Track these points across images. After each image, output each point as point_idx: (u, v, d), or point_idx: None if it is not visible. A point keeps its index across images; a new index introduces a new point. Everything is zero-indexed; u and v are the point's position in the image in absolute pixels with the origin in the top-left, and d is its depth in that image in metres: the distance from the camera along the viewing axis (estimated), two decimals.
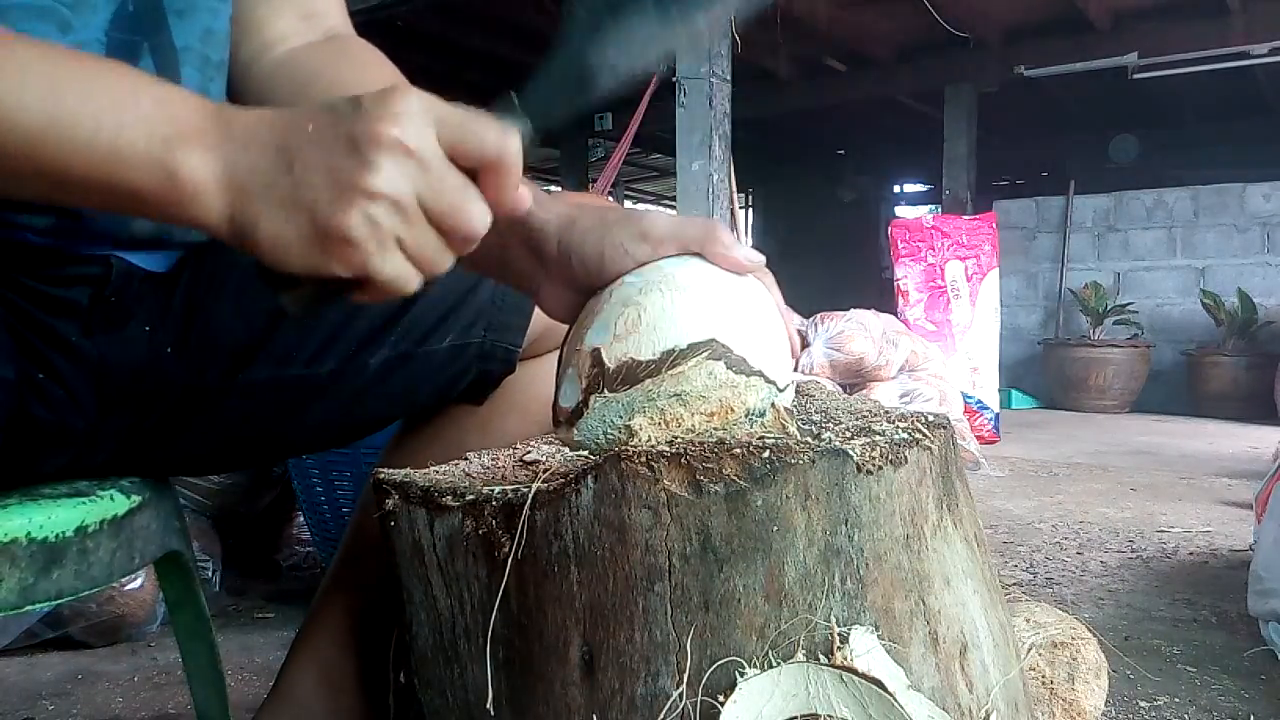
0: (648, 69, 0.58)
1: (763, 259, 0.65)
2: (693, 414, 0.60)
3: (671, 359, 0.59)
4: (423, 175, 0.52)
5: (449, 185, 0.53)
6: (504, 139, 0.54)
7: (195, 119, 0.52)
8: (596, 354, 0.61)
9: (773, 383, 0.62)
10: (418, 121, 0.52)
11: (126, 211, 0.54)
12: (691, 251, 0.64)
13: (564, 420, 0.63)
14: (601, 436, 0.62)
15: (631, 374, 0.60)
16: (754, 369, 0.61)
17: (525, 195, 0.57)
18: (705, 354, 0.60)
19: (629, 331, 0.60)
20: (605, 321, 0.61)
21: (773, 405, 0.63)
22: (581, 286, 0.65)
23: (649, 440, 0.60)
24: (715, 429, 0.61)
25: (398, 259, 0.53)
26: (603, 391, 0.61)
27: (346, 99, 0.53)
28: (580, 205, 0.67)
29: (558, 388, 0.64)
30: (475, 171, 0.54)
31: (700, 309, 0.61)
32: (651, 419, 0.60)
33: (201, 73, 0.76)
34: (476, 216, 0.54)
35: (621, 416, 0.61)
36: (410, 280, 0.54)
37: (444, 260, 0.55)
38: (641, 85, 4.83)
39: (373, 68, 0.80)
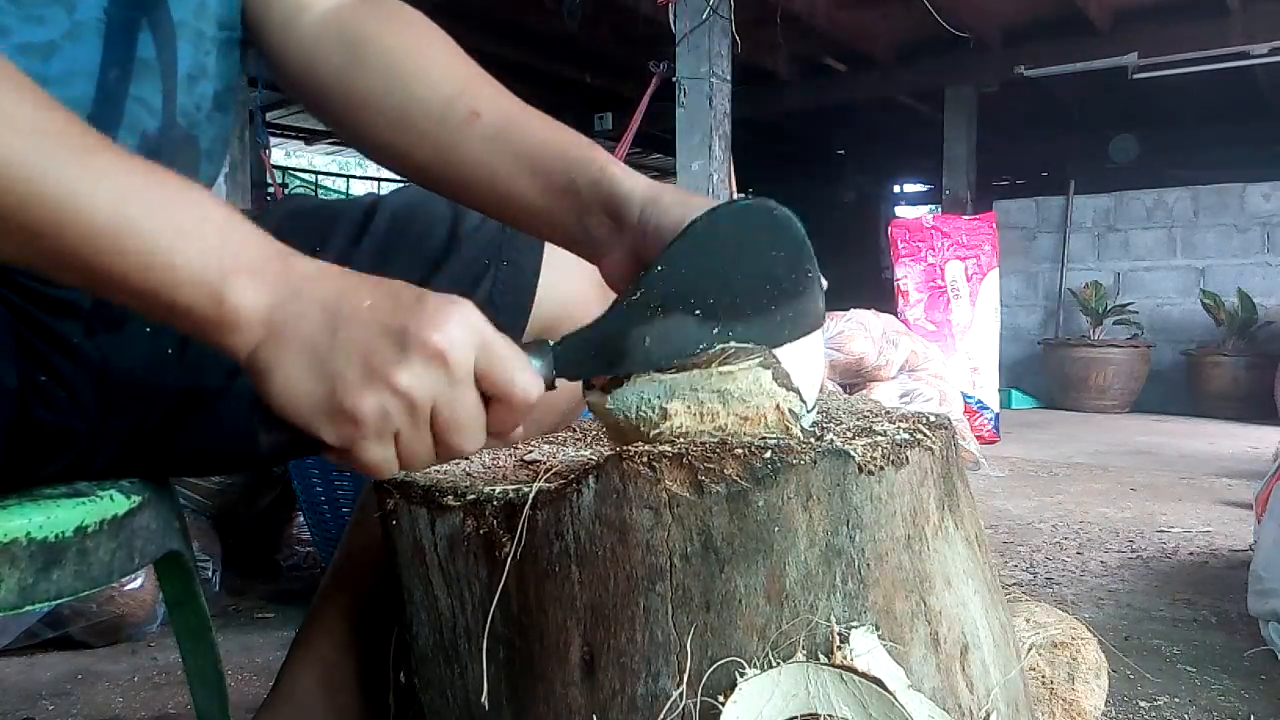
0: (682, 358, 0.61)
1: (824, 285, 0.67)
2: (729, 414, 0.61)
3: (724, 356, 0.61)
4: (447, 388, 0.54)
5: (465, 405, 0.55)
6: (528, 387, 0.56)
7: (255, 254, 0.54)
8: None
9: (804, 403, 0.63)
10: (466, 340, 0.54)
11: (164, 322, 0.55)
12: None
13: (599, 386, 0.63)
14: (634, 411, 0.62)
15: (679, 361, 0.61)
16: (794, 385, 0.62)
17: (520, 434, 0.59)
18: (757, 360, 0.61)
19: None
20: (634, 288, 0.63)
21: (775, 406, 0.63)
22: (645, 257, 0.67)
23: (681, 427, 0.61)
24: (745, 434, 0.61)
25: (387, 449, 0.55)
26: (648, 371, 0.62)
27: (412, 290, 0.55)
28: (663, 185, 0.69)
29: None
30: (491, 397, 0.56)
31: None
32: (689, 407, 0.61)
33: (196, 47, 0.75)
34: (473, 441, 0.56)
35: (660, 397, 0.61)
36: (386, 469, 0.56)
37: (425, 462, 0.57)
38: (641, 85, 4.84)
39: (420, 32, 0.80)
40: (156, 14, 0.71)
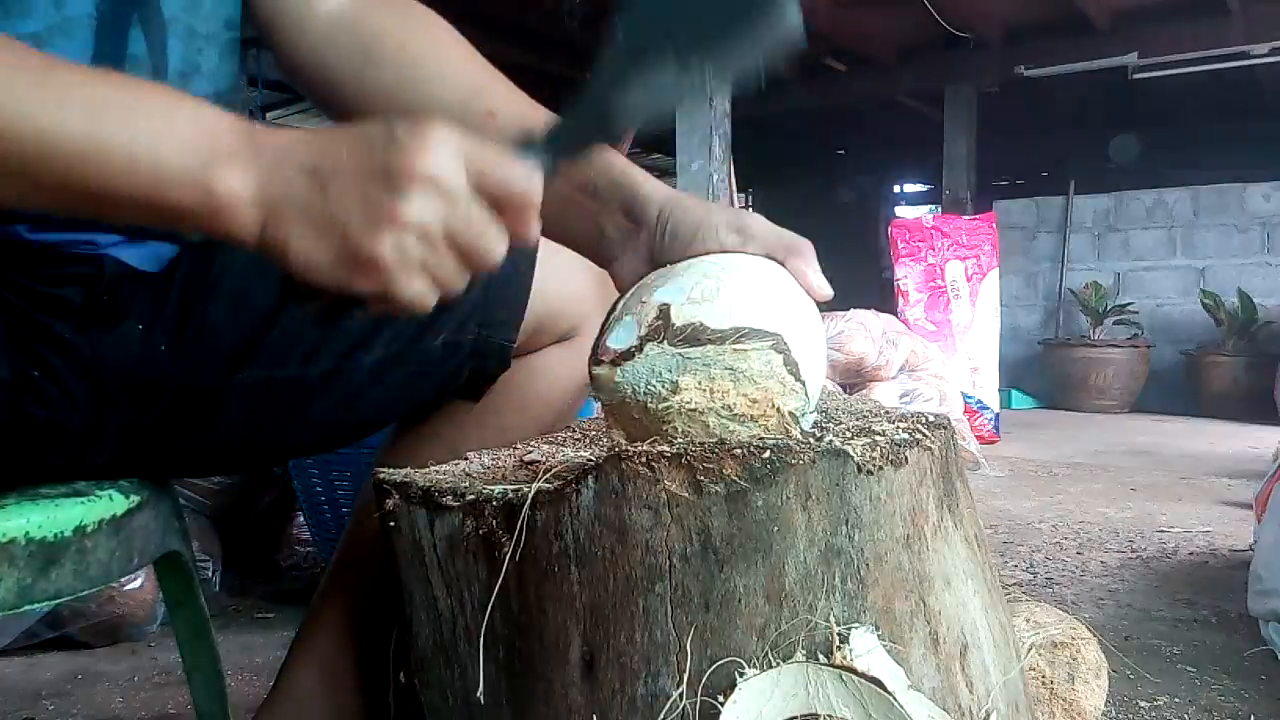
0: (667, 111, 0.61)
1: (830, 293, 0.68)
2: (739, 393, 0.62)
3: (739, 335, 0.61)
4: (450, 208, 0.55)
5: (473, 218, 0.56)
6: (526, 178, 0.57)
7: (229, 139, 0.54)
8: (665, 309, 0.63)
9: (808, 399, 0.64)
10: (448, 157, 0.55)
11: (166, 227, 0.55)
12: (776, 259, 0.67)
13: (608, 360, 0.64)
14: (644, 384, 0.62)
15: (695, 336, 0.61)
16: (803, 377, 0.63)
17: (537, 227, 0.60)
18: (770, 343, 0.62)
19: (705, 298, 0.63)
20: (681, 285, 0.64)
21: (774, 406, 0.63)
22: (660, 260, 0.68)
23: (690, 402, 0.61)
24: (750, 416, 0.62)
25: (420, 282, 0.56)
26: (662, 342, 0.62)
27: (381, 128, 0.55)
28: (678, 191, 0.71)
29: (606, 331, 0.65)
30: (496, 204, 0.57)
31: (775, 304, 0.64)
32: (699, 383, 0.61)
33: (186, 44, 0.75)
34: (496, 247, 0.57)
35: (672, 371, 0.62)
36: (428, 300, 0.57)
37: (461, 282, 0.57)
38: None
39: (434, 26, 0.80)
40: (147, 10, 0.72)
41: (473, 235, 0.56)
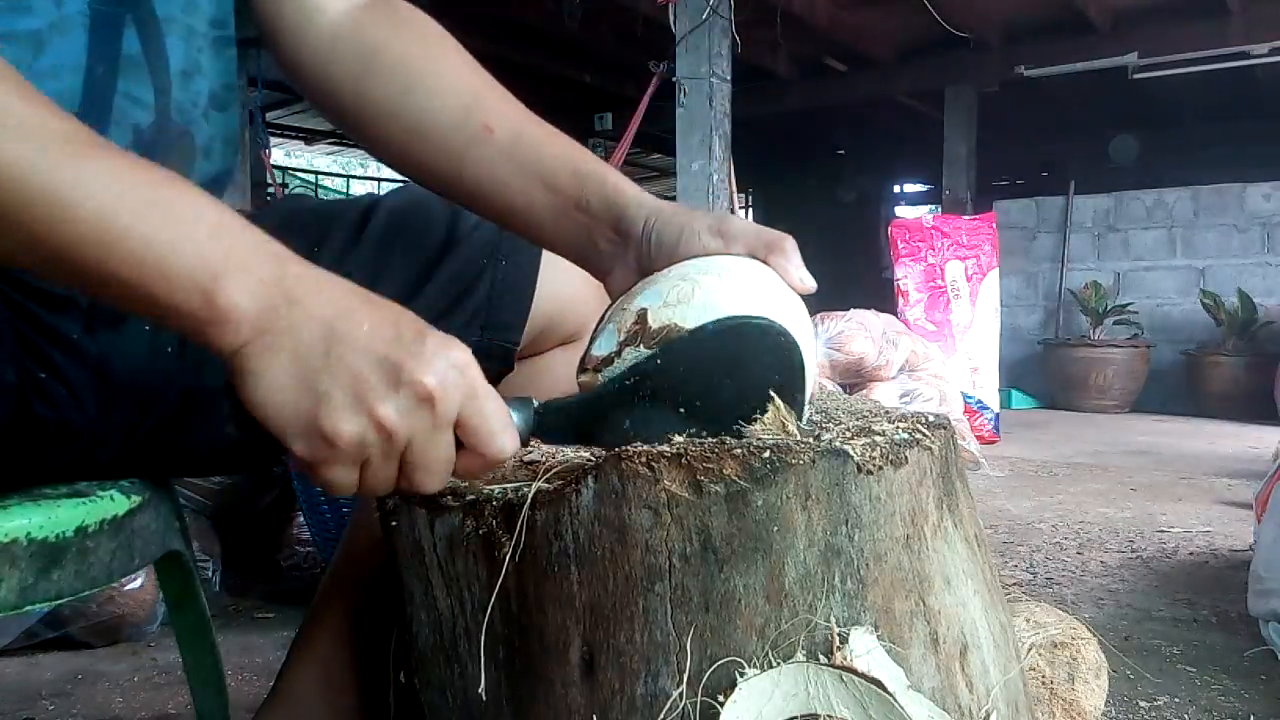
0: (656, 440, 0.62)
1: (814, 286, 0.67)
2: None
3: None
4: (426, 429, 0.54)
5: (439, 449, 0.56)
6: (504, 447, 0.57)
7: (249, 254, 0.53)
8: (642, 314, 0.63)
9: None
10: (457, 387, 0.55)
11: (152, 319, 0.54)
12: (758, 258, 0.67)
13: (591, 368, 0.64)
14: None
15: (669, 337, 0.62)
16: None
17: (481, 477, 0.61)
18: None
19: (679, 301, 0.63)
20: (659, 290, 0.64)
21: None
22: (648, 269, 0.68)
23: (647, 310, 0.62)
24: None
25: (352, 474, 0.55)
26: (638, 345, 0.62)
27: (412, 325, 0.55)
28: (662, 200, 0.71)
29: (593, 340, 0.66)
30: (464, 446, 0.57)
31: (750, 300, 0.63)
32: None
33: (187, 43, 0.75)
34: (437, 482, 0.57)
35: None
36: (345, 491, 0.56)
37: (383, 491, 0.57)
38: (641, 85, 4.84)
39: (435, 40, 0.80)
40: (140, 10, 0.72)
41: (427, 460, 0.55)
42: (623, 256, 0.70)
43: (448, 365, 0.54)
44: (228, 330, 0.52)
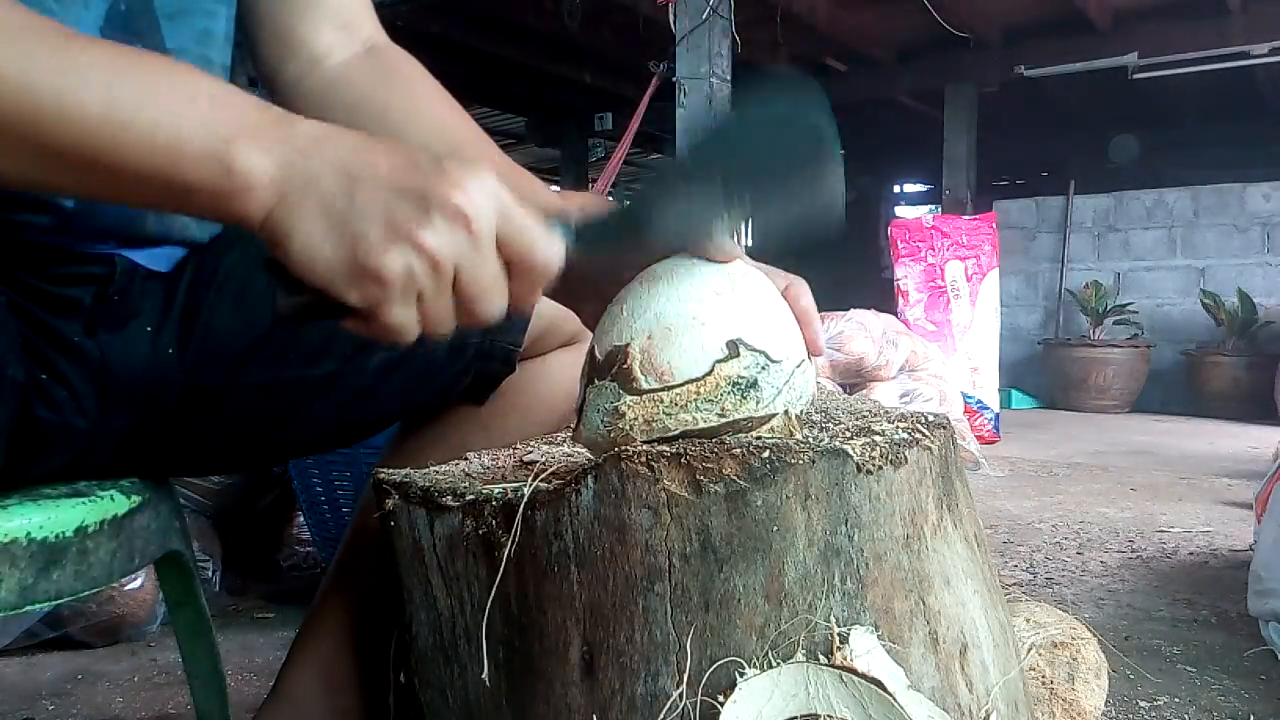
0: (699, 238, 0.62)
1: (738, 250, 0.66)
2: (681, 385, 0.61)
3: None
4: (469, 251, 0.54)
5: (487, 269, 0.55)
6: (549, 253, 0.57)
7: (254, 118, 0.53)
8: (590, 351, 0.64)
9: (761, 352, 0.62)
10: (486, 203, 0.54)
11: (178, 206, 0.54)
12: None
13: (576, 421, 0.65)
14: (599, 425, 0.63)
15: (611, 359, 0.62)
16: (734, 338, 0.62)
17: (536, 301, 0.60)
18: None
19: (613, 324, 0.63)
20: (601, 323, 0.65)
21: (785, 412, 0.63)
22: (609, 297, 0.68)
23: (636, 419, 0.61)
24: (702, 400, 0.61)
25: (411, 311, 0.55)
26: (594, 382, 0.63)
27: (428, 154, 0.55)
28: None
29: (576, 398, 0.67)
30: (511, 264, 0.56)
31: (675, 295, 0.62)
32: (633, 404, 0.61)
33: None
34: (495, 306, 0.56)
35: (611, 401, 0.62)
36: (410, 333, 0.56)
37: (448, 326, 0.56)
38: (641, 85, 4.84)
39: (418, 88, 0.83)
40: (150, 41, 0.72)
41: (480, 284, 0.55)
42: (581, 291, 0.70)
43: (472, 183, 0.54)
44: (251, 197, 0.52)
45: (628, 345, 0.62)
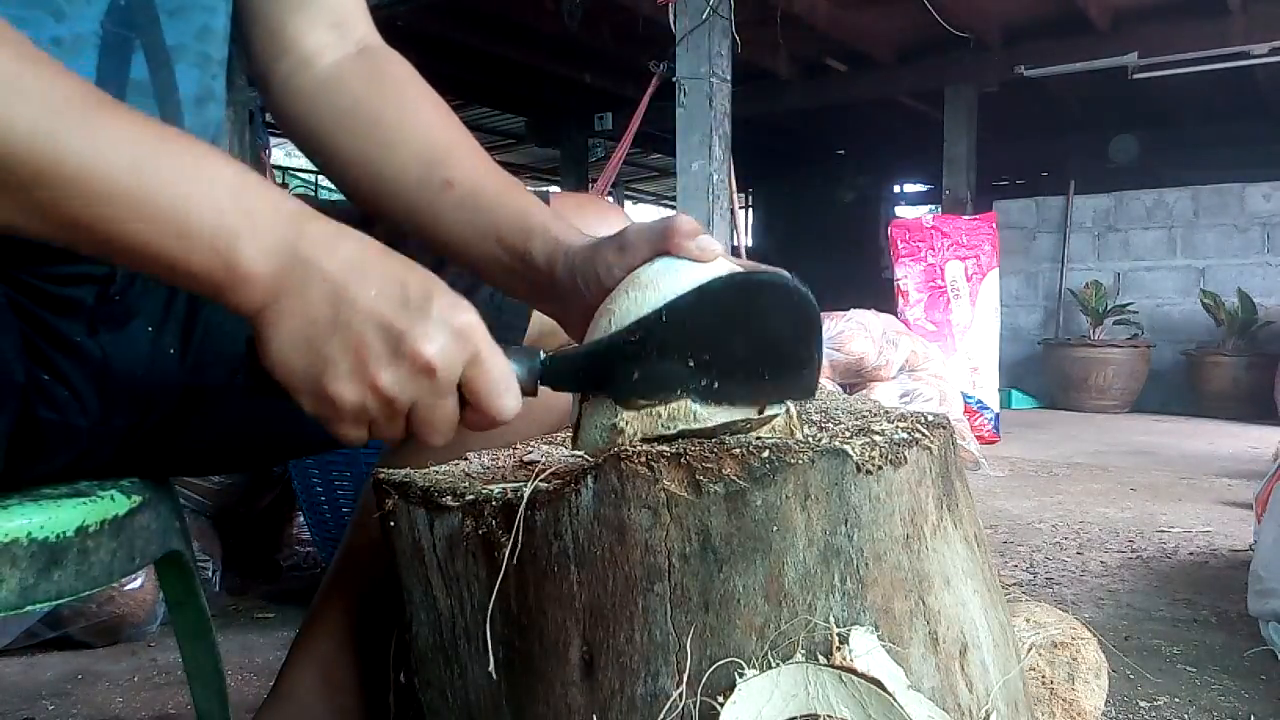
0: (660, 397, 0.62)
1: (718, 247, 0.67)
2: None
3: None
4: (429, 394, 0.56)
5: (442, 411, 0.57)
6: (506, 408, 0.58)
7: (267, 216, 0.54)
8: None
9: None
10: (458, 355, 0.56)
11: (171, 281, 0.55)
12: (663, 253, 0.66)
13: (573, 436, 0.65)
14: (597, 441, 0.63)
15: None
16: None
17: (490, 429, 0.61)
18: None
19: (598, 334, 0.64)
20: (589, 333, 0.65)
21: (786, 411, 0.63)
22: (591, 305, 0.69)
23: (635, 435, 0.61)
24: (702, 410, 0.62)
25: (361, 431, 0.57)
26: (588, 398, 0.63)
27: (420, 287, 0.56)
28: (572, 244, 0.71)
29: (571, 414, 0.67)
30: (468, 404, 0.58)
31: (662, 299, 0.62)
32: (630, 419, 0.62)
33: (202, 70, 0.76)
34: (443, 438, 0.58)
35: (608, 418, 0.62)
36: (359, 442, 0.58)
37: (395, 439, 0.58)
38: (641, 85, 4.84)
39: (409, 91, 0.83)
40: (150, 36, 0.72)
41: (431, 421, 0.57)
42: (565, 301, 0.71)
43: (449, 334, 0.55)
44: (245, 294, 0.54)
45: None
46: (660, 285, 0.63)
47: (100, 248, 0.53)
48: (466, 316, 0.57)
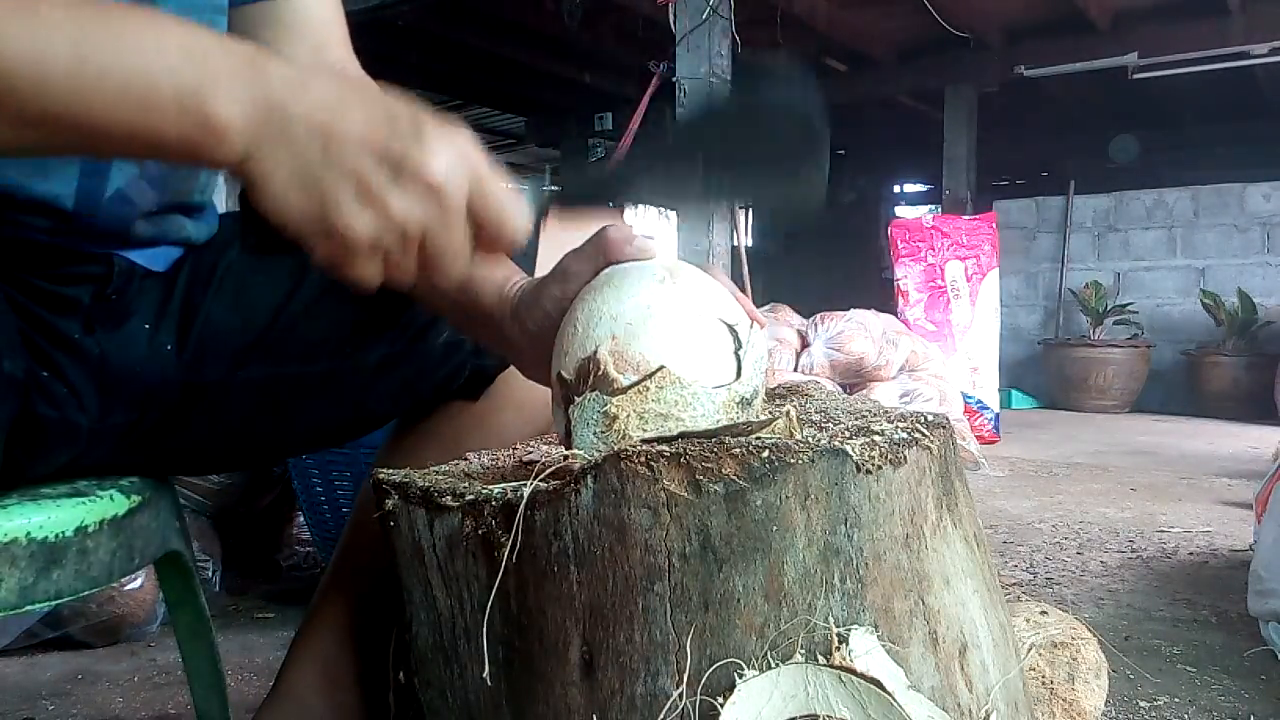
0: (667, 203, 0.63)
1: (654, 246, 0.67)
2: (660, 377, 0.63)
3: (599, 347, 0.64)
4: (438, 218, 0.54)
5: (453, 236, 0.55)
6: (516, 224, 0.57)
7: (224, 64, 0.52)
8: (559, 376, 0.66)
9: (720, 321, 0.65)
10: (460, 172, 0.54)
11: (152, 156, 0.54)
12: (610, 263, 0.68)
13: (567, 447, 0.66)
14: (592, 439, 0.64)
15: (584, 371, 0.64)
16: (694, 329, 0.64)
17: (505, 253, 0.61)
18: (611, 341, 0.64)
19: (570, 342, 0.65)
20: (557, 350, 0.67)
21: (786, 414, 0.64)
22: (543, 338, 0.70)
23: (629, 416, 0.62)
24: (667, 394, 0.63)
25: (375, 266, 0.55)
26: (574, 401, 0.64)
27: (407, 112, 0.54)
28: (517, 286, 0.71)
29: (557, 428, 0.68)
30: (479, 226, 0.57)
31: (622, 294, 0.64)
32: (620, 404, 0.63)
33: None
34: (459, 268, 0.57)
35: (598, 409, 0.63)
36: (373, 283, 0.56)
37: (409, 280, 0.57)
38: (641, 85, 4.84)
39: None
40: None
41: (445, 249, 0.55)
42: (515, 341, 0.72)
43: (449, 151, 0.54)
44: (224, 147, 0.52)
45: (595, 352, 0.63)
46: (613, 283, 0.65)
47: (75, 143, 0.52)
48: (461, 137, 0.55)
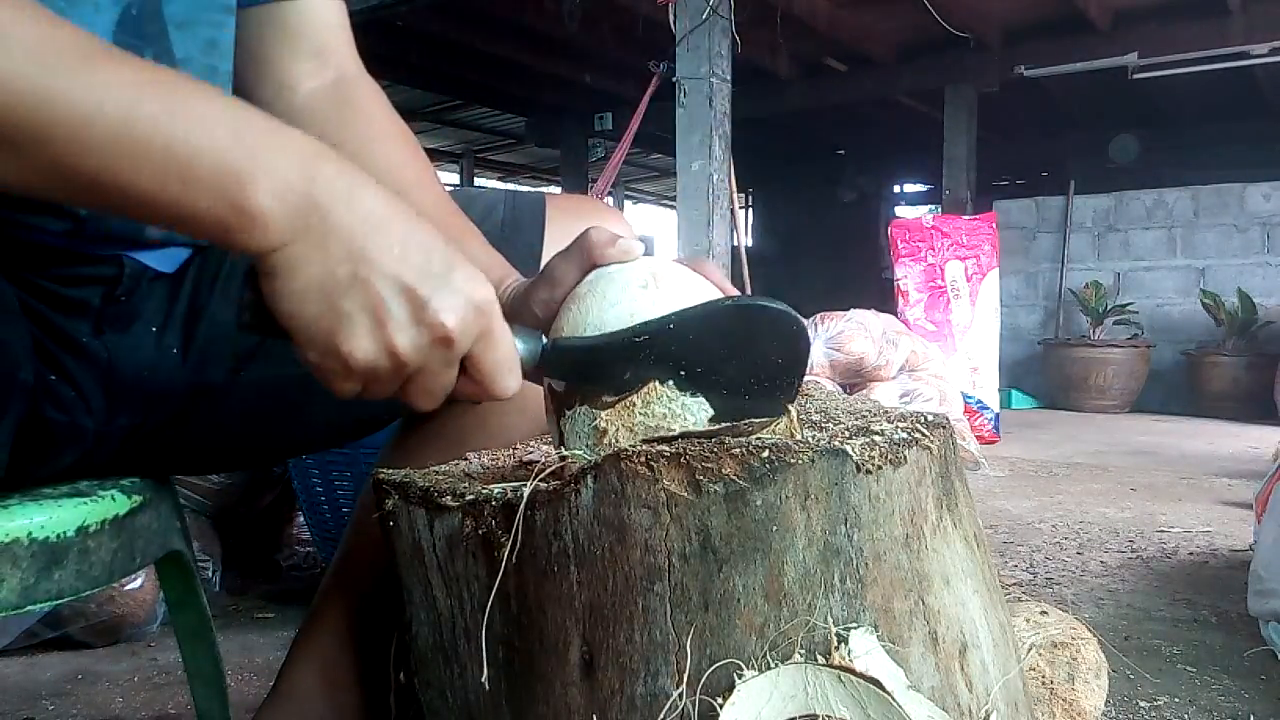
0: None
1: (638, 248, 0.67)
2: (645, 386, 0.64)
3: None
4: (439, 363, 0.56)
5: (445, 378, 0.57)
6: (507, 389, 0.59)
7: (276, 158, 0.52)
8: (550, 387, 0.66)
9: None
10: (474, 327, 0.56)
11: (180, 230, 0.54)
12: (596, 265, 0.68)
13: (562, 456, 0.66)
14: (584, 449, 0.64)
15: (572, 387, 0.65)
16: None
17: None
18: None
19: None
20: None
21: (786, 414, 0.64)
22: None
23: (619, 430, 0.63)
24: (651, 406, 0.63)
25: (359, 385, 0.56)
26: (565, 414, 0.65)
27: (443, 257, 0.55)
28: (509, 287, 0.72)
29: (552, 437, 0.69)
30: (469, 375, 0.58)
31: (604, 302, 0.65)
32: (609, 417, 0.63)
33: (209, 82, 0.76)
34: (432, 405, 0.58)
35: (587, 424, 0.64)
36: (347, 397, 0.57)
37: (381, 397, 0.58)
38: (641, 85, 4.84)
39: (375, 125, 0.84)
40: (159, 47, 0.72)
41: (431, 388, 0.57)
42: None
43: (469, 306, 0.55)
44: (255, 235, 0.52)
45: None
46: (596, 289, 0.66)
47: (106, 201, 0.52)
48: (485, 291, 0.56)
